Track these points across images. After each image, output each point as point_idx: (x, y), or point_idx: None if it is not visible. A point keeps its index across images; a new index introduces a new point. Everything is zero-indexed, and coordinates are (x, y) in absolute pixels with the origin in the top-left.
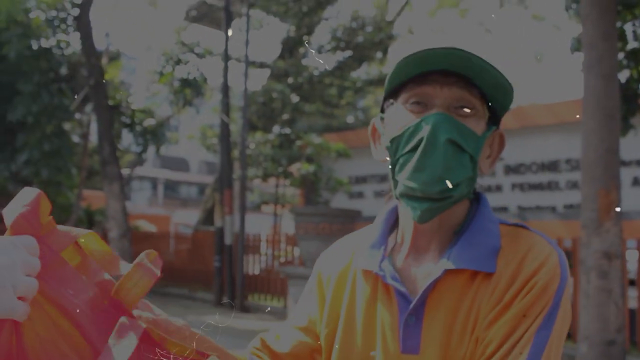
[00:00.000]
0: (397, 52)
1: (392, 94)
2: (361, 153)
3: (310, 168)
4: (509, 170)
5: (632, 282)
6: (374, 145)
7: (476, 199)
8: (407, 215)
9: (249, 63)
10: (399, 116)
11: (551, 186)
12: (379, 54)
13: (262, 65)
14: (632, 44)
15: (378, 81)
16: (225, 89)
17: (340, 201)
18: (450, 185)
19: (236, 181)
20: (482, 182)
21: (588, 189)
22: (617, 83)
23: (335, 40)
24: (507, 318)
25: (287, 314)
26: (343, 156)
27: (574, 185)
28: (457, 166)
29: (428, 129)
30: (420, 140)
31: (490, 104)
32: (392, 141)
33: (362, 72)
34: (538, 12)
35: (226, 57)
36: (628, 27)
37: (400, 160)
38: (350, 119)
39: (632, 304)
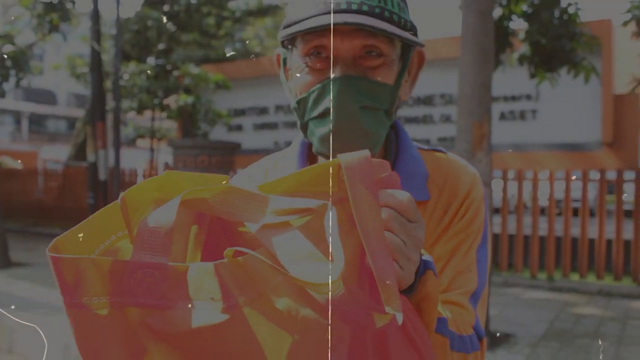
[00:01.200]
0: None
1: (290, 39)
2: (240, 85)
3: (189, 99)
4: None
5: (496, 210)
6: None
7: (391, 126)
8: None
9: None
10: (301, 70)
11: (426, 120)
12: None
13: None
14: None
15: (257, 12)
16: (96, 15)
17: (219, 134)
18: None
19: (109, 114)
20: None
21: (463, 121)
22: (492, 20)
23: None
24: (449, 236)
25: None
26: (222, 88)
27: (447, 119)
28: (373, 126)
29: (334, 96)
30: (328, 109)
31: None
32: (298, 103)
33: (242, 2)
34: None
35: None
36: None
37: (311, 125)
38: (228, 51)
39: (495, 230)
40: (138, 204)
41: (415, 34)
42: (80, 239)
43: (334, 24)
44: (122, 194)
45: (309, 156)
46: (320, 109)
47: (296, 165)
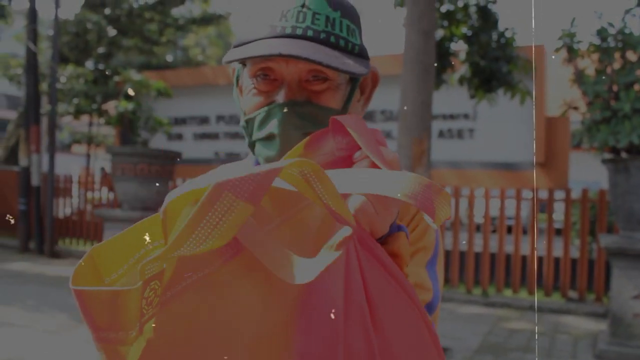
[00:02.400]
0: None
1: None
2: (180, 93)
3: (129, 106)
4: None
5: None
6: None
7: None
8: None
9: None
10: (249, 91)
11: None
12: None
13: None
14: (447, 6)
15: (201, 20)
16: (33, 15)
17: (158, 142)
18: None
19: (44, 117)
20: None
21: (403, 137)
22: (434, 39)
23: None
24: None
25: None
26: (164, 95)
27: (388, 135)
28: None
29: (277, 123)
30: (273, 135)
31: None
32: (247, 122)
33: (185, 10)
34: None
35: None
36: None
37: (258, 145)
38: (169, 58)
39: None
40: (176, 216)
41: (365, 57)
42: (115, 250)
43: (269, 55)
44: (164, 206)
45: None
46: (264, 132)
47: None
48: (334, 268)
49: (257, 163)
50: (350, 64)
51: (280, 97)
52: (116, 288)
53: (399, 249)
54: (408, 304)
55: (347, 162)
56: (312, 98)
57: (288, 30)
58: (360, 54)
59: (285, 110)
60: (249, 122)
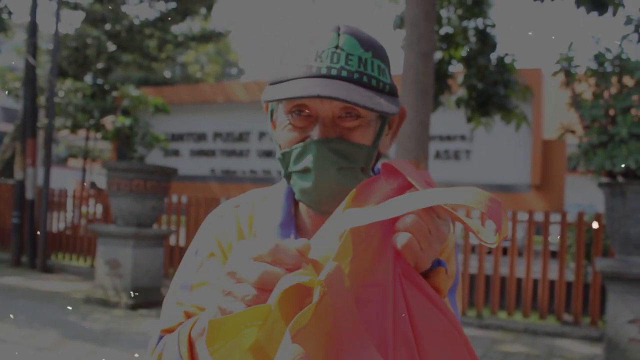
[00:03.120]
0: (223, 10)
1: None
2: (178, 110)
3: (127, 121)
4: None
5: None
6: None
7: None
8: None
9: (62, 2)
10: (284, 126)
11: None
12: (203, 10)
13: (76, 6)
14: (445, 29)
15: (200, 37)
16: (33, 28)
17: (154, 158)
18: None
19: (41, 131)
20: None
21: (401, 158)
22: (433, 61)
23: None
24: None
25: (95, 274)
26: (161, 111)
27: (385, 156)
28: (350, 184)
29: (312, 159)
30: (308, 169)
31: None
32: (283, 155)
33: (185, 27)
34: None
35: None
36: (443, 13)
37: (294, 177)
38: (168, 74)
39: None
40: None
41: (395, 95)
42: (225, 324)
43: (306, 97)
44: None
45: (295, 196)
46: (301, 166)
47: (282, 203)
48: (383, 303)
49: (290, 191)
50: (383, 104)
51: (314, 134)
52: None
53: (439, 284)
54: (451, 331)
55: None
56: (345, 135)
57: (323, 71)
58: (391, 92)
59: (320, 147)
60: (285, 155)
